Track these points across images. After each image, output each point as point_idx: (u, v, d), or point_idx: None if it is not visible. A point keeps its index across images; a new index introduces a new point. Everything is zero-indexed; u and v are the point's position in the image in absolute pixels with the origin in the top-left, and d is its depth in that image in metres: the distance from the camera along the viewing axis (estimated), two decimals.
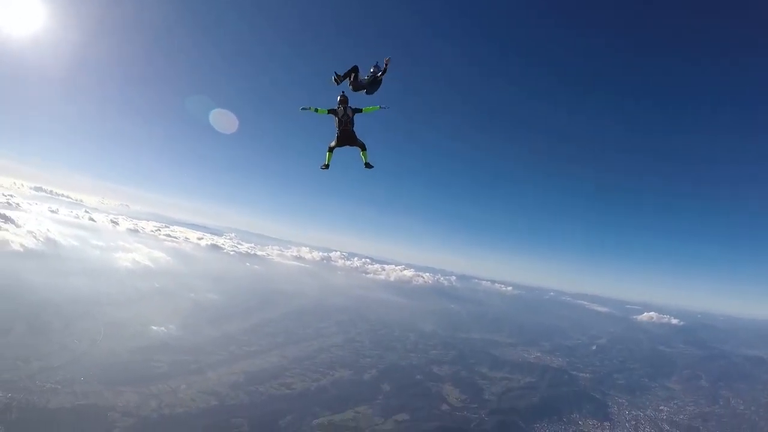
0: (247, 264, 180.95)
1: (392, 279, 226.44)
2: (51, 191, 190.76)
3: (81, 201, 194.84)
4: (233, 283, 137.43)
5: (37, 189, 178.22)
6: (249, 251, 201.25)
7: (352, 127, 12.81)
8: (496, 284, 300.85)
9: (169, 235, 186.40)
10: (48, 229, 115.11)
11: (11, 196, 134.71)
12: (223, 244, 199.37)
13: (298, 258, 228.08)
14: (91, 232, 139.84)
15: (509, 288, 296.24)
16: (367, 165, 13.14)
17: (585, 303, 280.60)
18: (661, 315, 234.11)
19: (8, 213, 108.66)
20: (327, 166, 13.04)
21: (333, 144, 12.87)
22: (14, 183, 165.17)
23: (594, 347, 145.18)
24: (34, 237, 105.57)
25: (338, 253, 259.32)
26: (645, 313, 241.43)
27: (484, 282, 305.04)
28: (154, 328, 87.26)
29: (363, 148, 13.00)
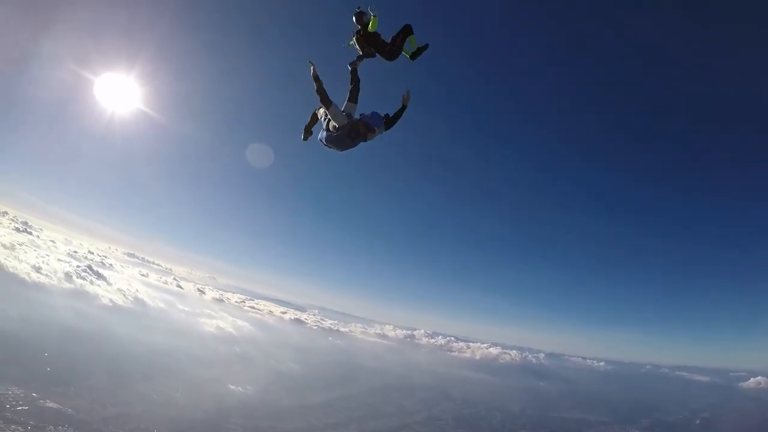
0: (330, 339, 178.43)
1: (478, 357, 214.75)
2: (143, 258, 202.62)
3: (170, 269, 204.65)
4: (315, 356, 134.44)
5: (130, 254, 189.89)
6: (332, 327, 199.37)
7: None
8: (588, 360, 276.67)
9: (253, 307, 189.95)
10: (137, 290, 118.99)
11: (105, 257, 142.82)
12: (306, 319, 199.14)
13: (382, 335, 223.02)
14: (178, 297, 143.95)
15: (601, 363, 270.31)
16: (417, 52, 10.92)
17: (685, 374, 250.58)
18: None
19: (102, 271, 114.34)
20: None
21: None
22: (109, 247, 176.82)
23: (698, 421, 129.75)
24: (124, 295, 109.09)
25: (422, 331, 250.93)
26: (752, 379, 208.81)
27: (574, 358, 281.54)
28: (232, 387, 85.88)
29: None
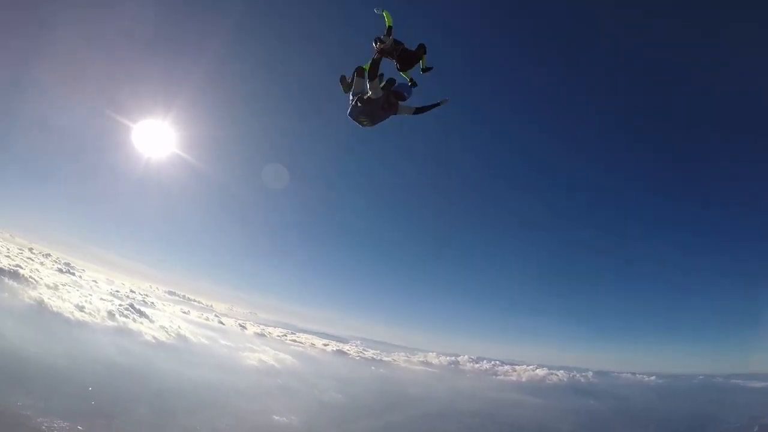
0: (373, 368, 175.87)
1: (524, 379, 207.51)
2: (183, 295, 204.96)
3: (211, 306, 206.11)
4: (358, 386, 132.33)
5: (171, 293, 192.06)
6: (374, 356, 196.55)
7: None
8: (638, 375, 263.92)
9: (294, 340, 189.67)
10: (179, 327, 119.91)
11: (147, 296, 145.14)
12: (348, 350, 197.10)
13: (425, 363, 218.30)
14: (220, 333, 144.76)
15: (652, 378, 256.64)
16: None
17: (739, 382, 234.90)
18: None
19: (144, 309, 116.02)
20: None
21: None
22: (150, 286, 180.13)
23: (756, 428, 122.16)
24: (166, 332, 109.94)
25: (466, 356, 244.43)
26: None
27: (623, 375, 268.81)
28: (277, 418, 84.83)
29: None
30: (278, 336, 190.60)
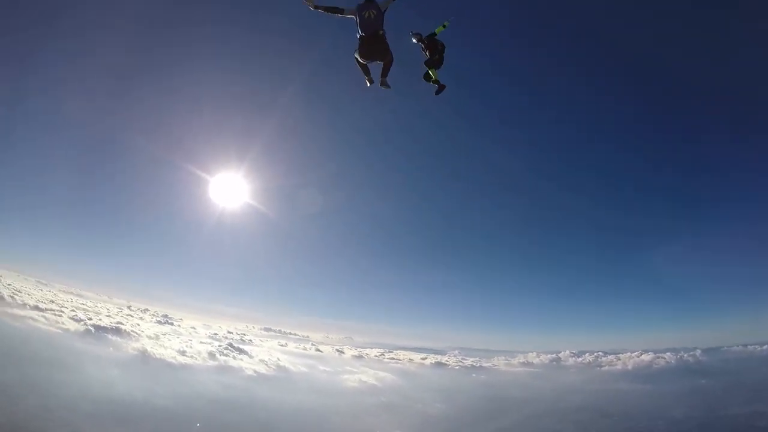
0: (474, 375, 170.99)
1: (630, 367, 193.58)
2: (279, 330, 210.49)
3: (307, 337, 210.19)
4: (460, 394, 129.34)
5: (267, 329, 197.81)
6: (474, 364, 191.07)
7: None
8: (749, 347, 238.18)
9: (393, 358, 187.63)
10: (278, 359, 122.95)
11: (244, 335, 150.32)
12: (447, 361, 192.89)
13: (526, 363, 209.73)
14: (318, 360, 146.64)
15: (765, 347, 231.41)
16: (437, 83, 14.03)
17: None
18: None
19: (243, 347, 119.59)
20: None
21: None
22: (246, 326, 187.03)
23: None
24: (266, 364, 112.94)
25: (567, 352, 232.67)
26: None
27: (734, 348, 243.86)
28: None
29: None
30: (376, 356, 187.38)
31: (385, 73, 12.21)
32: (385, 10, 11.34)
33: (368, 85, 12.45)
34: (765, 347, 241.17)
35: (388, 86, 12.57)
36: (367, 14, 11.07)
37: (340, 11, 11.24)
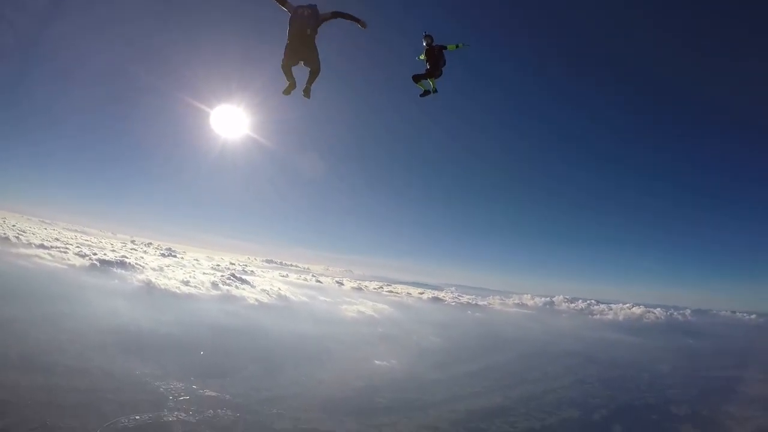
0: (469, 312, 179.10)
1: (621, 318, 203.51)
2: (281, 262, 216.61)
3: (308, 268, 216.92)
4: (456, 330, 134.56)
5: (268, 261, 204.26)
6: (470, 301, 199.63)
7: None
8: (737, 314, 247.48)
9: (391, 291, 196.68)
10: (279, 289, 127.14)
11: (246, 266, 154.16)
12: (443, 297, 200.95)
13: (520, 305, 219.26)
14: (319, 291, 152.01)
15: (753, 316, 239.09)
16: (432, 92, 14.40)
17: None
18: None
19: (245, 277, 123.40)
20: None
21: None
22: (248, 258, 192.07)
23: None
24: (268, 294, 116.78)
25: (561, 297, 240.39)
26: None
27: (722, 313, 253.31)
28: (378, 362, 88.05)
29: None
30: (375, 289, 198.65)
31: (310, 81, 11.60)
32: (324, 20, 10.90)
33: (287, 91, 11.79)
34: (753, 316, 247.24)
35: (309, 96, 11.89)
36: (301, 10, 10.69)
37: (282, 2, 10.85)
